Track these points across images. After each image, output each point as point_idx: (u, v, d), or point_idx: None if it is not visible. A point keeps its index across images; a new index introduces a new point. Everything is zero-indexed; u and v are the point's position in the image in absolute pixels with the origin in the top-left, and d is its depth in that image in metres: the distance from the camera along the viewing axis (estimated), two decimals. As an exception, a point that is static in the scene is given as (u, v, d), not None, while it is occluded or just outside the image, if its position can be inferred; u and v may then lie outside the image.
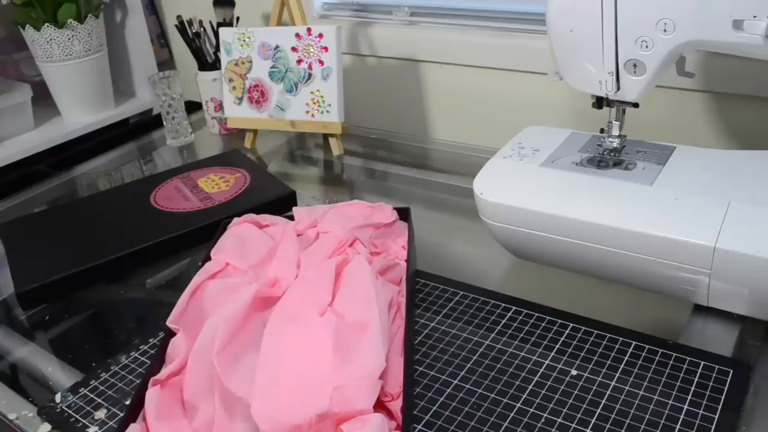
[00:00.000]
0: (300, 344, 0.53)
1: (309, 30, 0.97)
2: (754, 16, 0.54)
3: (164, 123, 1.12)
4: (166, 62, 1.41)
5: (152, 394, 0.53)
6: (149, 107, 1.27)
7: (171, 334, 0.60)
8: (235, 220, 0.75)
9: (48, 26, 1.07)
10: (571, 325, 0.61)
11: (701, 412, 0.51)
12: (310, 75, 0.98)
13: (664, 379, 0.54)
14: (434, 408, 0.53)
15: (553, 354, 0.58)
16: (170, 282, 0.76)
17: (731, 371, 0.54)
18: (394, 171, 1.00)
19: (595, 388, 0.54)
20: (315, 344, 0.52)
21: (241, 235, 0.71)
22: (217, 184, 0.90)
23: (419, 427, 0.51)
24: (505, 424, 0.51)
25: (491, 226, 0.68)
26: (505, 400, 0.53)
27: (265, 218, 0.75)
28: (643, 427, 0.50)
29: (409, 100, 1.10)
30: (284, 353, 0.52)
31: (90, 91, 1.17)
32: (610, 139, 0.70)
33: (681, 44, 0.60)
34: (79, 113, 1.18)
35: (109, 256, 0.75)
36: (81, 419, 0.56)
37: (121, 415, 0.56)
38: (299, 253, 0.67)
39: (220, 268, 0.66)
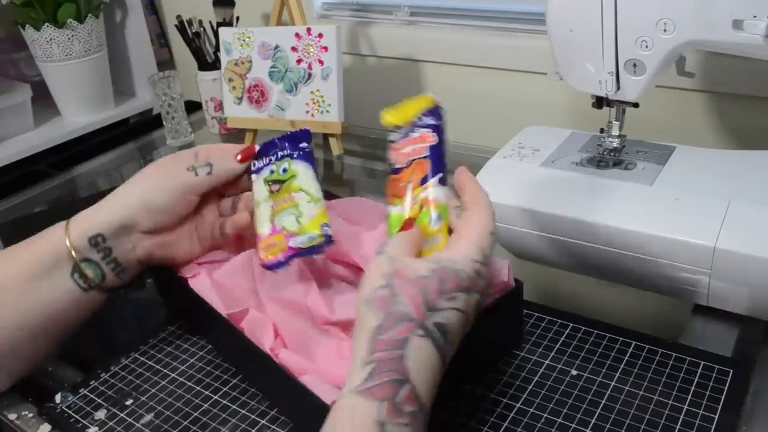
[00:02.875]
0: None
1: (309, 30, 0.97)
2: (754, 16, 0.54)
3: (164, 123, 1.12)
4: (166, 62, 1.41)
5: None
6: (149, 107, 1.27)
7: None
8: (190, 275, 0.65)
9: (48, 26, 1.07)
10: (571, 324, 0.61)
11: (701, 412, 0.51)
12: (309, 75, 0.98)
13: (664, 379, 0.54)
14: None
15: (553, 354, 0.58)
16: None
17: (731, 371, 0.54)
18: (394, 171, 0.99)
19: (595, 388, 0.54)
20: None
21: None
22: None
23: (419, 427, 0.51)
24: (505, 424, 0.51)
25: (491, 226, 0.68)
26: (505, 400, 0.53)
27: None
28: (643, 427, 0.50)
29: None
30: None
31: (90, 91, 1.17)
32: (610, 139, 0.70)
33: (681, 44, 0.60)
34: (79, 113, 1.18)
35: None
36: (81, 419, 0.56)
37: (122, 415, 0.56)
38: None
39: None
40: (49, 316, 0.57)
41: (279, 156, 0.62)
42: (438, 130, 0.57)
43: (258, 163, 0.63)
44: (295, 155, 0.62)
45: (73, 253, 0.56)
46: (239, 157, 0.62)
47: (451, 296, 0.45)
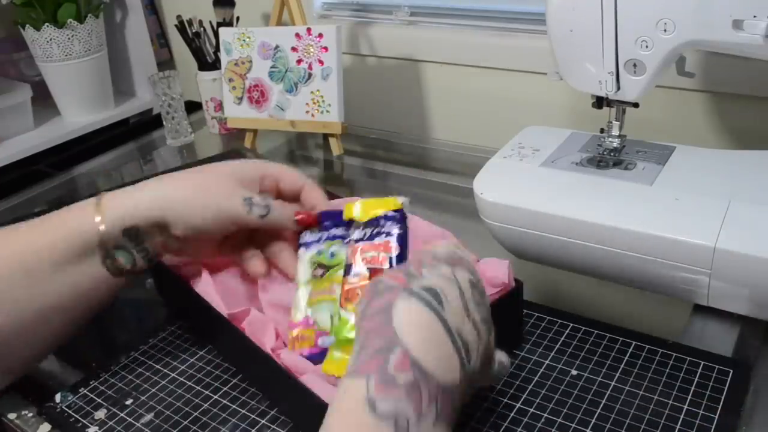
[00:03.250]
0: None
1: (309, 30, 0.97)
2: (754, 16, 0.54)
3: (164, 123, 1.12)
4: (166, 62, 1.41)
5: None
6: (149, 107, 1.27)
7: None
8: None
9: (48, 26, 1.07)
10: (571, 324, 0.61)
11: (701, 412, 0.51)
12: (310, 75, 0.98)
13: (664, 379, 0.54)
14: (434, 408, 0.53)
15: (553, 354, 0.58)
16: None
17: (731, 371, 0.54)
18: (394, 171, 1.00)
19: (595, 388, 0.54)
20: None
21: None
22: None
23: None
24: (505, 424, 0.51)
25: (491, 226, 0.68)
26: (505, 400, 0.53)
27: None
28: (643, 427, 0.50)
29: (409, 100, 1.10)
30: None
31: (90, 91, 1.17)
32: (610, 139, 0.70)
33: (681, 44, 0.60)
34: (79, 113, 1.18)
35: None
36: (81, 419, 0.56)
37: (122, 415, 0.56)
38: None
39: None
40: (69, 301, 0.55)
41: (333, 235, 0.58)
42: (402, 240, 0.54)
43: (309, 237, 0.59)
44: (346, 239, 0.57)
45: (107, 241, 0.54)
46: (298, 218, 0.59)
47: (432, 265, 0.43)
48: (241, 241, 0.60)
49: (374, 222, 0.56)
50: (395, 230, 0.55)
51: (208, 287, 0.60)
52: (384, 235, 0.55)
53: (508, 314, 0.57)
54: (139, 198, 0.55)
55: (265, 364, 0.53)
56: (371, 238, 0.55)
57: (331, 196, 0.73)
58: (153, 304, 0.71)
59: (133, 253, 0.55)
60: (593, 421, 0.51)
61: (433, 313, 0.40)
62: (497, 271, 0.55)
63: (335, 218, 0.59)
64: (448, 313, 0.41)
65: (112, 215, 0.54)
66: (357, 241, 0.56)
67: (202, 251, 0.60)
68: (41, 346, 0.57)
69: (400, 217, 0.55)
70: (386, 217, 0.55)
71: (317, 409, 0.46)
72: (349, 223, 0.58)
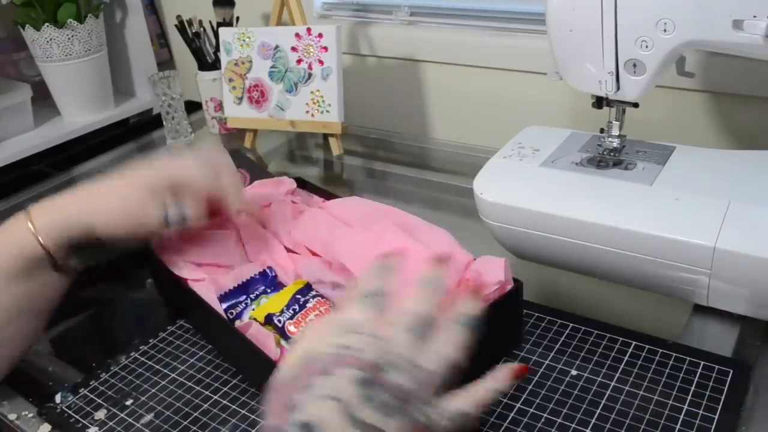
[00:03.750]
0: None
1: (309, 30, 0.97)
2: (754, 16, 0.54)
3: (164, 123, 1.12)
4: (166, 62, 1.41)
5: None
6: (149, 107, 1.27)
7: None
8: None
9: (48, 26, 1.07)
10: (571, 325, 0.61)
11: (701, 412, 0.51)
12: (309, 75, 0.98)
13: (664, 379, 0.54)
14: (434, 408, 0.53)
15: (553, 354, 0.58)
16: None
17: (731, 371, 0.54)
18: (394, 171, 1.00)
19: (595, 388, 0.54)
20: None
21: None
22: None
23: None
24: (505, 424, 0.51)
25: (491, 226, 0.68)
26: (505, 401, 0.53)
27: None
28: (643, 427, 0.50)
29: (409, 100, 1.10)
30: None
31: (90, 91, 1.17)
32: (610, 139, 0.70)
33: (681, 44, 0.60)
34: (79, 113, 1.18)
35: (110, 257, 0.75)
36: (81, 419, 0.56)
37: (122, 415, 0.56)
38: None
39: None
40: (29, 307, 0.59)
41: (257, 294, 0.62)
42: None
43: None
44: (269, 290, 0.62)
45: (52, 254, 0.58)
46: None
47: (308, 386, 0.39)
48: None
49: (293, 301, 0.58)
50: (313, 294, 0.60)
51: (211, 294, 0.61)
52: (311, 298, 0.59)
53: (508, 314, 0.57)
54: (64, 210, 0.59)
55: (268, 368, 0.53)
56: (302, 308, 0.58)
57: (330, 196, 0.74)
58: (153, 304, 0.71)
59: (81, 255, 0.60)
60: (593, 421, 0.51)
61: None
62: (494, 269, 0.55)
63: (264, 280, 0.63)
64: None
65: (46, 231, 0.57)
66: (291, 318, 0.57)
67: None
68: (15, 347, 0.60)
69: (308, 288, 0.60)
70: (299, 293, 0.59)
71: None
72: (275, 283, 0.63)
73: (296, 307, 0.58)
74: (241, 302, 0.61)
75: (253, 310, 0.60)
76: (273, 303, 0.58)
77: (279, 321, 0.57)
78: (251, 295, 0.62)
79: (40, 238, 0.57)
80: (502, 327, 0.57)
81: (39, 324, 0.61)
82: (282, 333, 0.56)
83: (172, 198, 0.60)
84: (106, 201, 0.60)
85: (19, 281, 0.57)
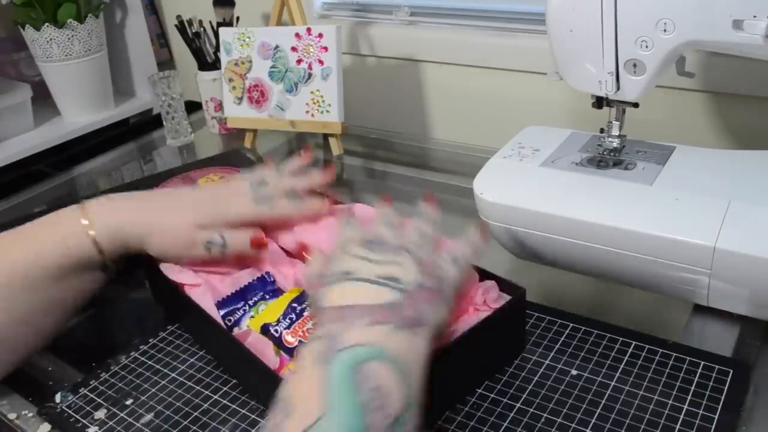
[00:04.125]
0: None
1: (309, 30, 0.97)
2: (754, 16, 0.54)
3: (164, 123, 1.12)
4: (166, 62, 1.41)
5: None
6: (149, 107, 1.27)
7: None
8: None
9: (48, 26, 1.07)
10: (571, 324, 0.61)
11: (701, 412, 0.51)
12: (310, 75, 0.98)
13: (664, 379, 0.54)
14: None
15: (553, 354, 0.58)
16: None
17: (731, 371, 0.54)
18: (394, 171, 1.00)
19: (595, 388, 0.54)
20: None
21: None
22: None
23: (419, 427, 0.51)
24: (505, 424, 0.51)
25: (491, 226, 0.68)
26: (505, 400, 0.53)
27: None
28: (643, 427, 0.50)
29: (409, 100, 1.10)
30: None
31: (90, 91, 1.17)
32: (610, 139, 0.70)
33: (681, 44, 0.60)
34: (79, 113, 1.18)
35: None
36: (81, 419, 0.56)
37: (122, 415, 0.56)
38: None
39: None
40: (73, 297, 0.61)
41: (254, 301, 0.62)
42: None
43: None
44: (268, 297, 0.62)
45: (104, 255, 0.60)
46: (253, 241, 0.64)
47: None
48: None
49: (289, 310, 0.58)
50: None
51: (208, 301, 0.60)
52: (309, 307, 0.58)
53: (512, 323, 0.57)
54: (124, 214, 0.62)
55: (265, 376, 0.53)
56: (299, 317, 0.57)
57: (337, 202, 0.73)
58: (153, 304, 0.71)
59: (124, 255, 0.62)
60: (593, 421, 0.51)
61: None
62: (488, 295, 0.56)
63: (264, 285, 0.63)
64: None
65: (103, 230, 0.60)
66: (288, 327, 0.57)
67: (182, 260, 0.65)
68: (46, 334, 0.62)
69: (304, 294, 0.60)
70: (296, 301, 0.59)
71: None
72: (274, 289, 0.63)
73: (293, 316, 0.57)
74: (239, 309, 0.61)
75: (252, 317, 0.59)
76: (269, 312, 0.58)
77: (276, 331, 0.56)
78: (249, 302, 0.61)
79: (97, 240, 0.59)
80: (505, 335, 0.57)
81: (69, 317, 0.63)
82: (279, 343, 0.56)
83: (221, 229, 0.63)
84: (162, 222, 0.62)
85: (67, 276, 0.59)
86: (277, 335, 0.56)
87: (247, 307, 0.61)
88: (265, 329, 0.56)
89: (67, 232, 0.59)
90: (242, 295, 0.61)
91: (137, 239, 0.61)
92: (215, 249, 0.62)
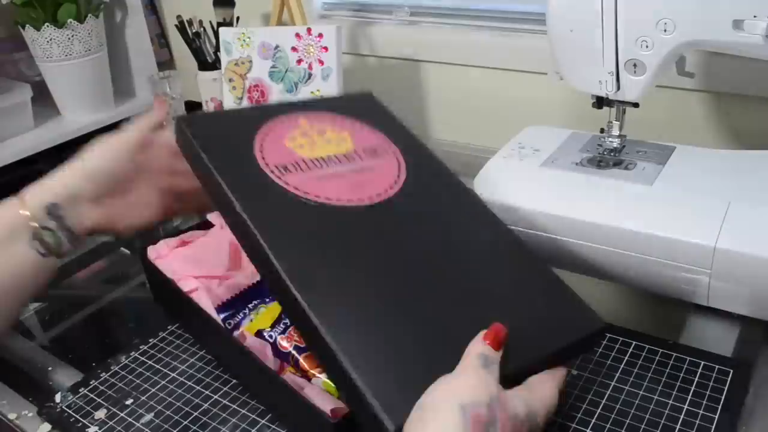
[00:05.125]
0: None
1: (309, 30, 0.97)
2: (754, 16, 0.54)
3: (164, 123, 1.11)
4: (166, 62, 1.41)
5: None
6: (149, 107, 1.27)
7: None
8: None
9: (48, 26, 1.07)
10: (571, 325, 0.60)
11: (701, 412, 0.51)
12: (310, 75, 0.98)
13: (664, 379, 0.54)
14: (434, 408, 0.53)
15: (553, 354, 0.58)
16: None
17: (731, 371, 0.54)
18: (394, 171, 0.99)
19: (595, 388, 0.54)
20: None
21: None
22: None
23: None
24: (505, 424, 0.51)
25: (491, 226, 0.68)
26: (505, 400, 0.53)
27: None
28: (643, 427, 0.50)
29: (409, 100, 1.10)
30: None
31: (90, 91, 1.17)
32: (610, 139, 0.70)
33: (681, 44, 0.60)
34: (79, 113, 1.18)
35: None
36: (81, 419, 0.56)
37: (122, 415, 0.56)
38: None
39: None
40: (6, 285, 0.56)
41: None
42: None
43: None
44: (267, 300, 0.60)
45: (32, 222, 0.57)
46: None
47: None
48: (163, 186, 0.64)
49: (283, 315, 0.57)
50: None
51: (207, 303, 0.60)
52: None
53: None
54: (50, 179, 0.61)
55: (266, 378, 0.53)
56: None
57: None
58: (153, 304, 0.71)
59: (56, 233, 0.58)
60: (593, 421, 0.51)
61: None
62: None
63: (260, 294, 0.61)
64: None
65: (32, 199, 0.58)
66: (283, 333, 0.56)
67: (129, 217, 0.63)
68: None
69: None
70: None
71: (317, 419, 0.46)
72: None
73: (287, 321, 0.56)
74: (238, 313, 0.60)
75: (251, 320, 0.59)
76: (263, 318, 0.58)
77: (270, 336, 0.56)
78: (249, 305, 0.60)
79: (25, 206, 0.57)
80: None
81: (5, 313, 0.57)
82: (274, 349, 0.55)
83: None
84: (82, 153, 0.63)
85: None
86: (271, 341, 0.55)
87: (247, 311, 0.60)
88: (259, 335, 0.56)
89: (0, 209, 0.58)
90: (241, 298, 0.61)
91: (70, 188, 0.60)
92: (125, 127, 0.64)
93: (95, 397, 0.58)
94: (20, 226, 0.57)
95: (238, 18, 1.12)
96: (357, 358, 0.43)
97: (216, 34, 1.08)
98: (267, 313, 0.58)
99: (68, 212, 0.59)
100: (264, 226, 0.49)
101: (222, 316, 0.59)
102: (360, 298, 0.47)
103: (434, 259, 0.52)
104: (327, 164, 0.57)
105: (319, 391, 0.50)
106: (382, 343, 0.44)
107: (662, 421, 0.50)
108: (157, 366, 0.61)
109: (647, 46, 0.61)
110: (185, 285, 0.63)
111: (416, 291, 0.48)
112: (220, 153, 0.55)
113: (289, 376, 0.53)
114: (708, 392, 0.52)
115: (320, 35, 0.96)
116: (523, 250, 0.55)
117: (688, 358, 0.56)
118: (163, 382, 0.59)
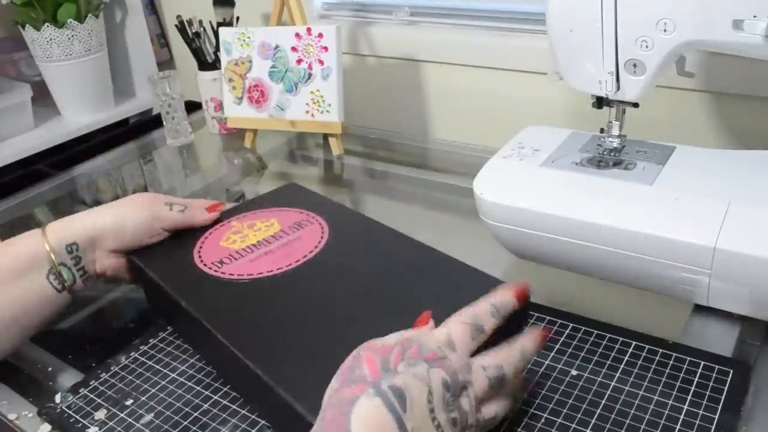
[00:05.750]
0: None
1: (309, 30, 0.97)
2: (754, 16, 0.54)
3: (164, 123, 1.12)
4: (166, 62, 1.41)
5: None
6: (149, 107, 1.27)
7: None
8: None
9: (48, 26, 1.07)
10: (571, 325, 0.61)
11: (701, 412, 0.51)
12: (310, 75, 0.98)
13: (664, 379, 0.54)
14: (434, 408, 0.53)
15: (553, 354, 0.58)
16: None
17: (731, 371, 0.54)
18: (394, 171, 1.00)
19: (595, 388, 0.54)
20: None
21: None
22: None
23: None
24: (506, 424, 0.51)
25: (491, 226, 0.68)
26: (505, 400, 0.53)
27: None
28: (643, 427, 0.50)
29: (409, 100, 1.10)
30: None
31: (90, 91, 1.17)
32: (610, 139, 0.70)
33: (681, 44, 0.60)
34: (79, 113, 1.18)
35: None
36: (81, 420, 0.56)
37: (122, 415, 0.56)
38: None
39: None
40: (20, 313, 0.60)
41: None
42: None
43: None
44: None
45: (52, 256, 0.61)
46: (208, 208, 0.69)
47: (411, 363, 0.43)
48: None
49: None
50: None
51: None
52: None
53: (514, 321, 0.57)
54: (75, 219, 0.64)
55: (246, 374, 0.53)
56: None
57: (330, 196, 0.73)
58: (153, 304, 0.71)
59: (72, 270, 0.62)
60: (593, 421, 0.51)
61: (392, 415, 0.40)
62: None
63: None
64: (410, 417, 0.41)
65: (54, 235, 0.62)
66: None
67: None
68: None
69: None
70: None
71: (298, 420, 0.46)
72: None
73: None
74: None
75: None
76: None
77: None
78: None
79: (47, 240, 0.61)
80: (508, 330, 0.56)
81: (15, 340, 0.61)
82: None
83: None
84: (111, 210, 0.65)
85: (13, 284, 0.59)
86: None
87: None
88: None
89: (22, 239, 0.62)
90: None
91: (91, 232, 0.63)
92: (176, 207, 0.66)
93: (95, 398, 0.58)
94: (41, 259, 0.61)
95: (238, 18, 1.12)
96: (296, 390, 0.48)
97: (216, 34, 1.08)
98: None
99: (86, 255, 0.63)
100: (203, 309, 0.57)
101: None
102: (297, 341, 0.53)
103: (360, 288, 0.58)
104: (258, 247, 0.65)
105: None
106: (321, 374, 0.46)
107: (662, 421, 0.50)
108: (157, 366, 0.61)
109: (647, 46, 0.61)
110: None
111: (347, 321, 0.54)
112: (164, 270, 0.63)
113: None
114: (708, 392, 0.52)
115: (320, 35, 0.96)
116: (433, 254, 0.61)
117: (688, 358, 0.56)
118: (163, 383, 0.59)
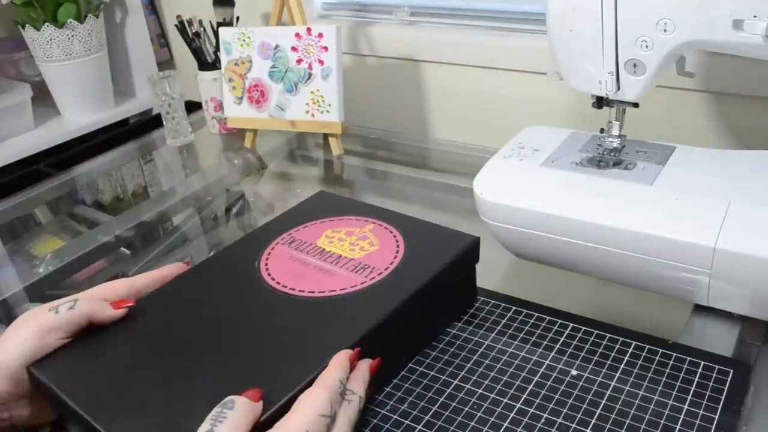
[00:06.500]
0: None
1: (309, 30, 0.97)
2: (754, 16, 0.54)
3: (164, 123, 1.12)
4: (166, 62, 1.41)
5: None
6: (149, 107, 1.27)
7: None
8: None
9: (48, 26, 1.07)
10: (571, 325, 0.61)
11: (701, 412, 0.51)
12: (310, 75, 0.98)
13: (664, 379, 0.54)
14: (434, 408, 0.53)
15: (553, 354, 0.58)
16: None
17: (731, 371, 0.54)
18: (394, 171, 1.00)
19: (595, 388, 0.54)
20: None
21: None
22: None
23: (419, 427, 0.51)
24: (505, 424, 0.51)
25: (491, 226, 0.68)
26: (505, 400, 0.53)
27: None
28: (643, 427, 0.50)
29: (409, 100, 1.10)
30: None
31: (90, 91, 1.17)
32: (610, 139, 0.70)
33: (681, 44, 0.60)
34: (79, 113, 1.18)
35: None
36: (81, 419, 0.56)
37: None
38: None
39: None
40: None
41: None
42: None
43: None
44: None
45: None
46: (113, 305, 0.54)
47: None
48: None
49: None
50: None
51: None
52: None
53: (464, 272, 0.59)
54: None
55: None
56: None
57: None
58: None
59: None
60: (593, 421, 0.51)
61: None
62: None
63: None
64: None
65: None
66: None
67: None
68: None
69: None
70: None
71: None
72: None
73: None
74: None
75: None
76: None
77: None
78: None
79: None
80: (458, 285, 0.58)
81: None
82: None
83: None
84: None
85: None
86: None
87: None
88: None
89: None
90: None
91: None
92: (63, 307, 0.51)
93: (95, 397, 0.58)
94: None
95: (237, 18, 1.12)
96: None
97: (216, 34, 1.08)
98: None
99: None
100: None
101: None
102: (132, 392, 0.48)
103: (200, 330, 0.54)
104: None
105: None
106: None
107: (662, 421, 0.50)
108: (157, 366, 0.61)
109: (647, 46, 0.61)
110: None
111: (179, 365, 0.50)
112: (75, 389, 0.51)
113: None
114: (708, 392, 0.52)
115: (320, 35, 0.96)
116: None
117: (688, 358, 0.56)
118: (163, 382, 0.59)
